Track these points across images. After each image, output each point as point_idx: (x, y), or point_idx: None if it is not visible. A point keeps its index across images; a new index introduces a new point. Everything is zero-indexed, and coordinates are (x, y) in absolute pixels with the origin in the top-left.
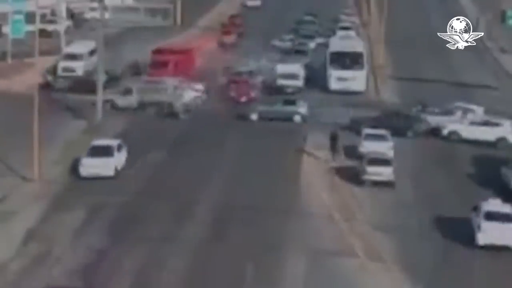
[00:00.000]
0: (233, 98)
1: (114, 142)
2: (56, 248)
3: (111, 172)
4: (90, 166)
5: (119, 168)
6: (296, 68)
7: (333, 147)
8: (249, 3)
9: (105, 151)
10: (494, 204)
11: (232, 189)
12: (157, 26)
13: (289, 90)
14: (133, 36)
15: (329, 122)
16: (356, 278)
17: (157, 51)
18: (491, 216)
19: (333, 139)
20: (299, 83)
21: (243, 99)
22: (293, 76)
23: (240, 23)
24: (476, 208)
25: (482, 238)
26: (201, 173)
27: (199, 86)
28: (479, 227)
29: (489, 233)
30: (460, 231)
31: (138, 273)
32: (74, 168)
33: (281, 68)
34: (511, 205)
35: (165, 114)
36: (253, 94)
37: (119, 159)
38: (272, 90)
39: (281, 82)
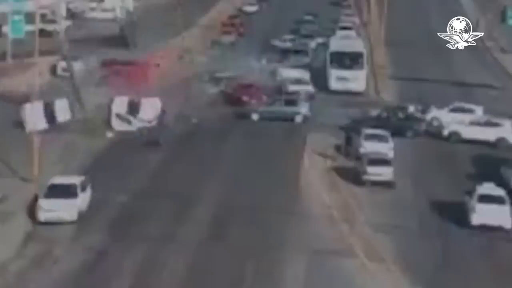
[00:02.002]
0: (244, 102)
1: (77, 180)
2: (56, 248)
3: (74, 216)
4: (50, 209)
5: (83, 210)
6: (303, 73)
7: (347, 149)
8: (246, 9)
9: (67, 191)
10: (488, 188)
11: (232, 189)
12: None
13: (302, 95)
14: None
15: (329, 122)
16: (356, 278)
17: (108, 62)
18: (485, 198)
19: (348, 140)
20: (311, 88)
21: (255, 102)
22: (304, 82)
23: (240, 23)
24: (470, 192)
25: (476, 219)
26: (201, 173)
27: (149, 110)
28: (473, 208)
29: (482, 214)
30: (460, 231)
31: (138, 273)
32: (32, 210)
33: (285, 72)
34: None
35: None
36: (264, 97)
37: (83, 199)
38: (283, 94)
39: (293, 88)
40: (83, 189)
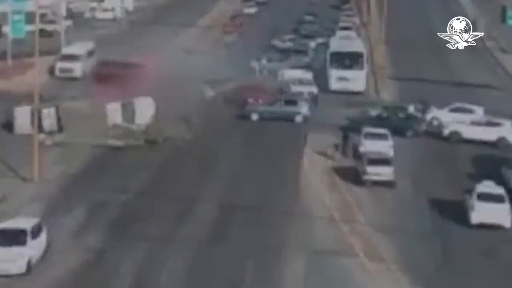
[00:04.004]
0: (250, 103)
1: (27, 224)
2: (55, 248)
3: (22, 268)
4: None
5: (34, 261)
6: (307, 73)
7: (344, 148)
8: (245, 11)
9: (14, 238)
10: (487, 186)
11: (232, 189)
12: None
13: (306, 96)
14: (132, 36)
15: (329, 122)
16: (356, 278)
17: (103, 63)
18: (484, 197)
19: (345, 140)
20: (315, 89)
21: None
22: (307, 83)
23: (240, 24)
24: (470, 190)
25: (475, 217)
26: (201, 173)
27: (144, 111)
28: (472, 206)
29: (482, 213)
30: (460, 231)
31: (138, 273)
32: None
33: (288, 73)
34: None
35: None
36: (269, 99)
37: (35, 248)
38: (283, 94)
39: (297, 89)
40: (35, 235)
